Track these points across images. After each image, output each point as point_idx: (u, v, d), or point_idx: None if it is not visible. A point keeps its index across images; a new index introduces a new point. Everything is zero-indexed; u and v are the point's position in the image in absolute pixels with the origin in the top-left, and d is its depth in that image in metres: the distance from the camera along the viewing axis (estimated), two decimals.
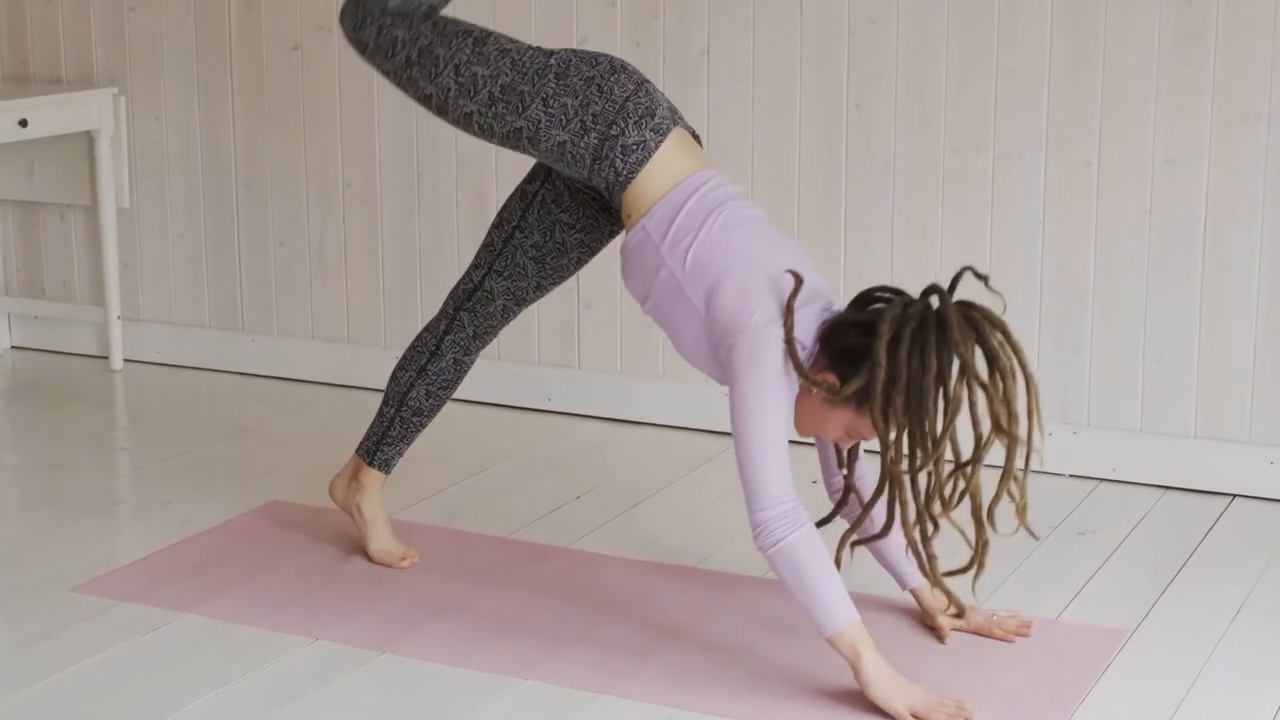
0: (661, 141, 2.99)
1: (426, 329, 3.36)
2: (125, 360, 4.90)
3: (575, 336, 4.41)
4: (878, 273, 3.98)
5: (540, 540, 3.59)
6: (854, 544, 2.98)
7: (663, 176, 2.98)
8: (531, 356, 4.45)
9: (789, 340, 2.82)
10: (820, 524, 2.96)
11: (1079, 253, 3.86)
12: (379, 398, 4.55)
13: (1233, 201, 3.72)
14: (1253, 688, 2.93)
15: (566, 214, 3.20)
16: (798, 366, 2.81)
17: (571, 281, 4.39)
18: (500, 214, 3.29)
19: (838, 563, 2.88)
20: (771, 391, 2.82)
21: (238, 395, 4.65)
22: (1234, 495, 3.80)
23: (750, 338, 2.84)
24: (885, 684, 2.78)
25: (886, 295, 2.91)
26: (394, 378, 3.38)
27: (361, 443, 3.42)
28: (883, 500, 2.92)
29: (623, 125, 2.97)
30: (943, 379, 2.77)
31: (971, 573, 2.92)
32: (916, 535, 2.88)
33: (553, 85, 3.01)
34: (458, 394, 4.49)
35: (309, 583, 3.35)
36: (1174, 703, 2.87)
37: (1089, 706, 2.86)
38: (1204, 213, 3.74)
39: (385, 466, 3.40)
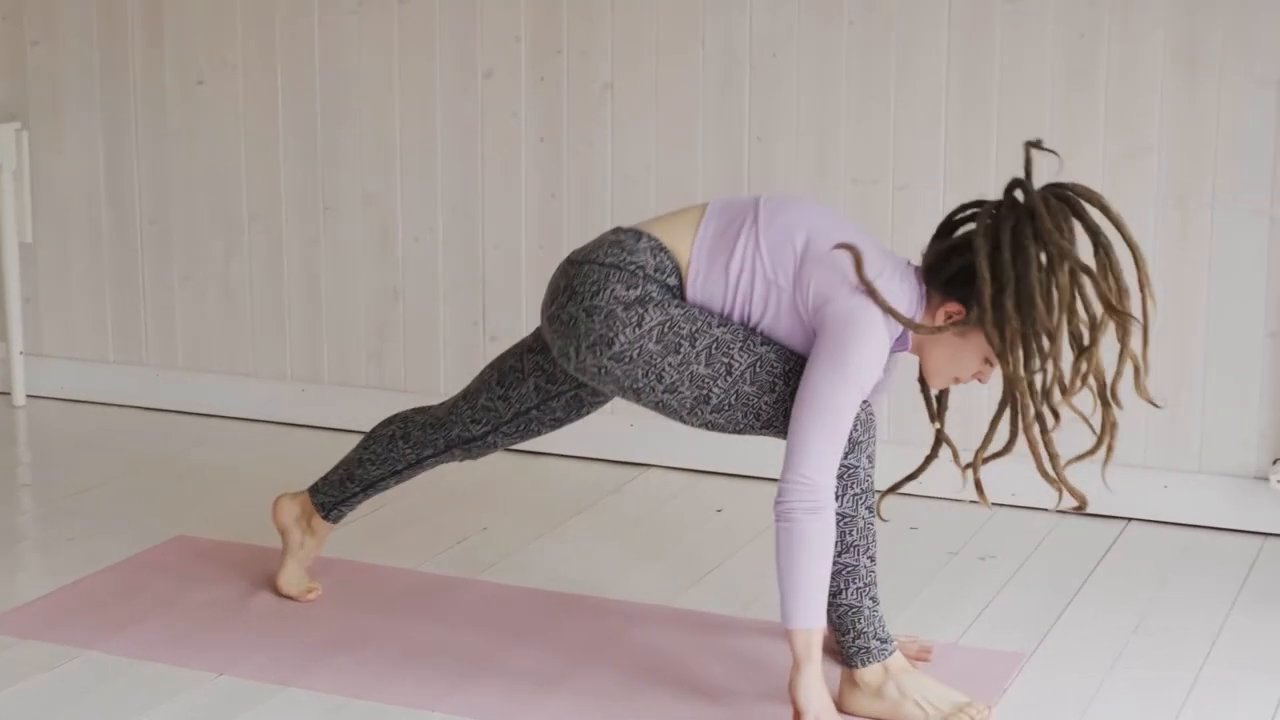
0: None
1: (403, 440, 3.28)
2: (28, 396, 4.86)
3: (480, 367, 4.41)
4: None
5: (447, 572, 3.60)
6: (968, 467, 3.00)
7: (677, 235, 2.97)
8: (436, 388, 4.47)
9: (882, 304, 2.80)
10: (910, 478, 3.03)
11: None
12: (285, 430, 4.59)
13: None
14: (1149, 708, 2.98)
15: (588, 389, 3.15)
16: (905, 321, 2.80)
17: (476, 312, 4.41)
18: (506, 388, 3.17)
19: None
20: (859, 367, 2.79)
21: (142, 430, 4.62)
22: (1130, 519, 3.87)
23: (843, 307, 2.81)
24: (816, 698, 2.79)
25: (970, 211, 2.92)
26: (363, 468, 3.32)
27: (319, 493, 3.37)
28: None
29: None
30: (1050, 270, 2.76)
31: (1100, 456, 2.91)
32: (1036, 433, 2.87)
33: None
34: (362, 426, 4.51)
35: (214, 617, 3.34)
36: None
37: None
38: None
39: (339, 519, 3.41)
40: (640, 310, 2.87)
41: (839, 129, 3.99)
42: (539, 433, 3.21)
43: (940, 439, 3.09)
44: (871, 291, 2.81)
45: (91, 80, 4.72)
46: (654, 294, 2.89)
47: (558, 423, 3.18)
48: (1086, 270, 2.78)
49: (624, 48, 4.17)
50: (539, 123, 4.27)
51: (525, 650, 3.19)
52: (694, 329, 2.88)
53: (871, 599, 2.88)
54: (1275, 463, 3.74)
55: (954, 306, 2.86)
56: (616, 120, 4.20)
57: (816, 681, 2.80)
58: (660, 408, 2.93)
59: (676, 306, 2.90)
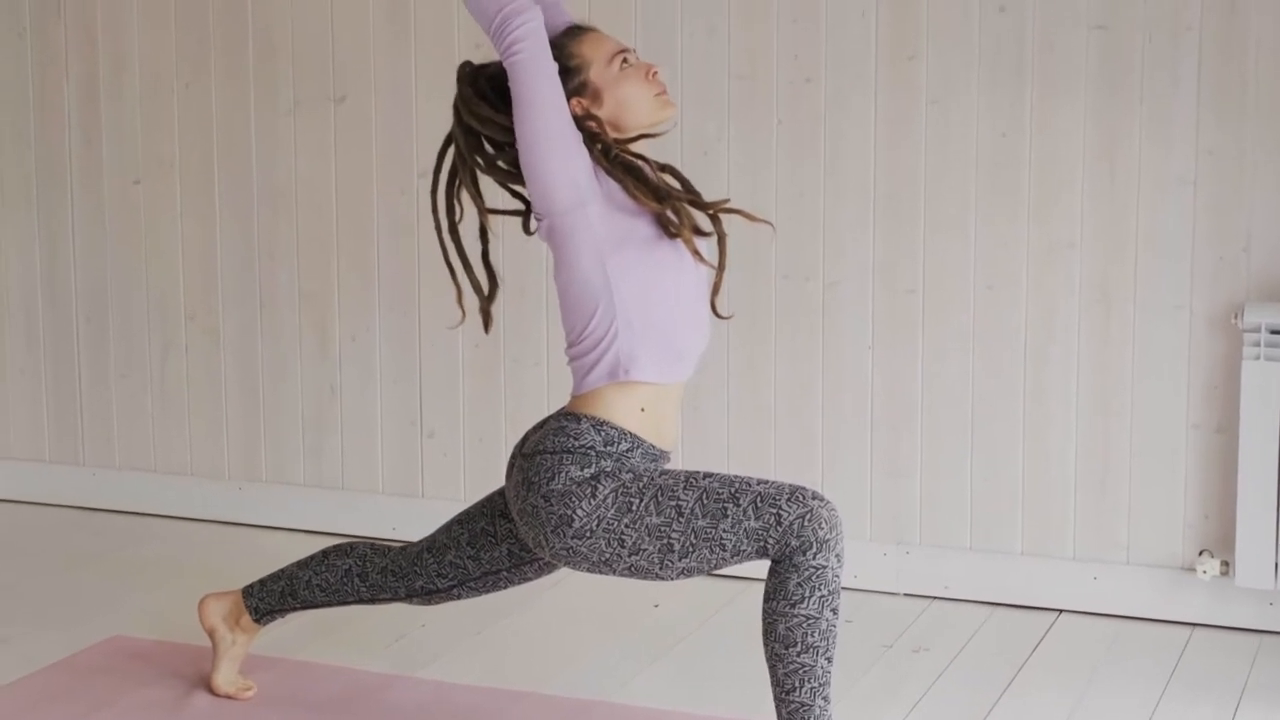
0: None
1: (360, 578, 3.28)
2: None
3: (418, 465, 4.45)
4: (714, 395, 4.08)
5: (385, 670, 3.60)
6: None
7: None
8: (375, 485, 4.49)
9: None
10: (720, 271, 3.11)
11: (906, 377, 3.99)
12: (223, 529, 4.58)
13: (1050, 325, 3.87)
14: None
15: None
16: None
17: (414, 410, 4.44)
18: (478, 549, 3.19)
19: None
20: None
21: (79, 529, 4.61)
22: (1060, 610, 3.93)
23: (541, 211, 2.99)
24: None
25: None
26: (310, 590, 3.32)
27: (253, 597, 3.37)
28: None
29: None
30: None
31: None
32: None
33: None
34: (301, 524, 4.53)
35: (152, 718, 3.34)
36: None
37: None
38: (1023, 337, 3.90)
39: (268, 624, 3.42)
40: (594, 485, 2.92)
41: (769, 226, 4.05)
42: (506, 588, 3.23)
43: (714, 215, 3.09)
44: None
45: (28, 179, 4.75)
46: (607, 467, 2.95)
47: (527, 581, 3.22)
48: None
49: None
50: (474, 222, 4.31)
51: None
52: (640, 486, 2.92)
53: (824, 698, 2.90)
54: (1201, 554, 3.81)
55: (576, 105, 3.01)
56: None
57: None
58: (634, 572, 2.95)
59: (627, 471, 2.95)
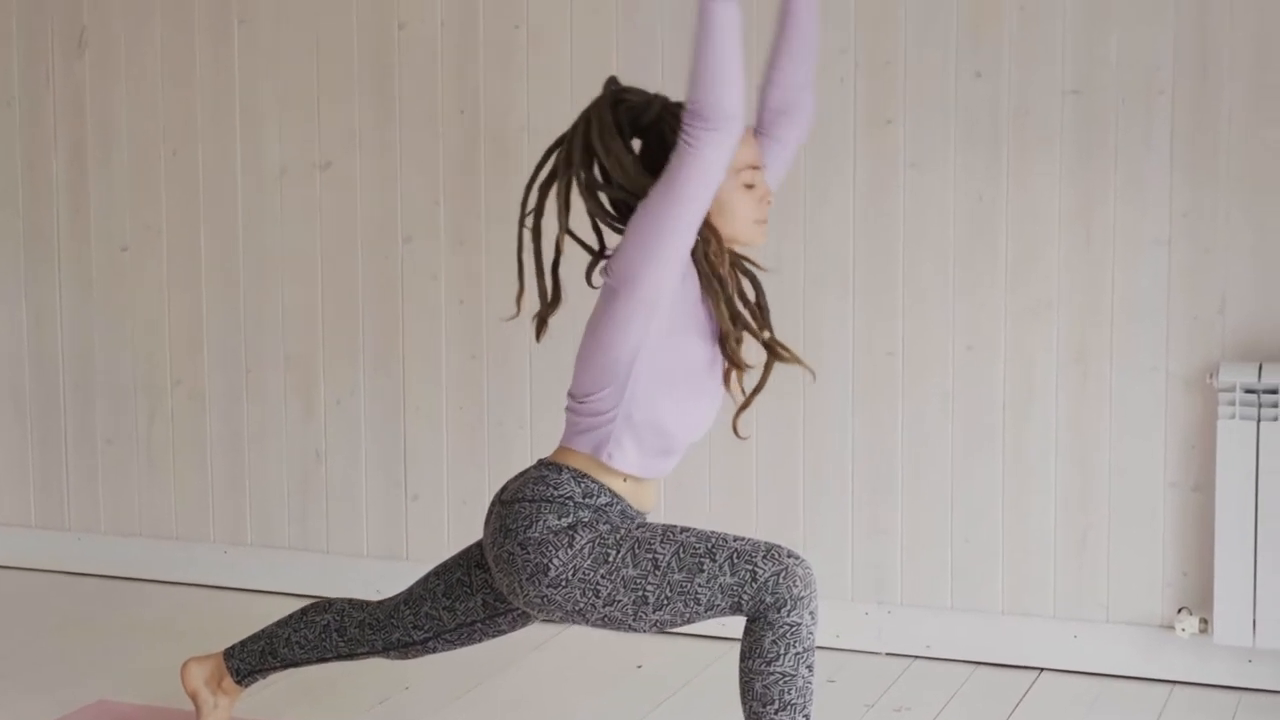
0: None
1: (338, 633, 3.30)
2: None
3: (403, 528, 4.47)
4: (697, 454, 4.10)
5: None
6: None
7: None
8: (360, 549, 4.50)
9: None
10: (756, 391, 3.11)
11: (887, 437, 4.02)
12: (209, 593, 4.59)
13: (1029, 386, 3.91)
14: None
15: None
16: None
17: (399, 473, 4.46)
18: (453, 600, 3.20)
19: None
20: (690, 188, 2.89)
21: (64, 594, 4.62)
22: (1041, 669, 3.94)
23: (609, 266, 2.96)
24: None
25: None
26: (289, 648, 3.33)
27: (234, 658, 3.38)
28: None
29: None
30: None
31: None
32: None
33: None
34: (286, 587, 4.54)
35: None
36: None
37: None
38: (1002, 398, 3.93)
39: (251, 685, 3.43)
40: (571, 534, 2.94)
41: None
42: (481, 641, 3.24)
43: (772, 348, 3.10)
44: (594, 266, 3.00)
45: (16, 246, 4.78)
46: (585, 518, 2.97)
47: (502, 633, 3.22)
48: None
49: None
50: (458, 286, 4.36)
51: None
52: (618, 537, 2.94)
53: None
54: (1180, 611, 3.83)
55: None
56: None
57: None
58: (607, 623, 2.97)
59: (604, 523, 2.97)
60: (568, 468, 3.00)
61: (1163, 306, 3.81)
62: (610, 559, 2.92)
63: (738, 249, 3.07)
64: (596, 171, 3.01)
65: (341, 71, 4.42)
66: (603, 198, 3.02)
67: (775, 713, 2.86)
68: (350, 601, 3.32)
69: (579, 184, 3.01)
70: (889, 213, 3.98)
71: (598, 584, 2.92)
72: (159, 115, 4.61)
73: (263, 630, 3.38)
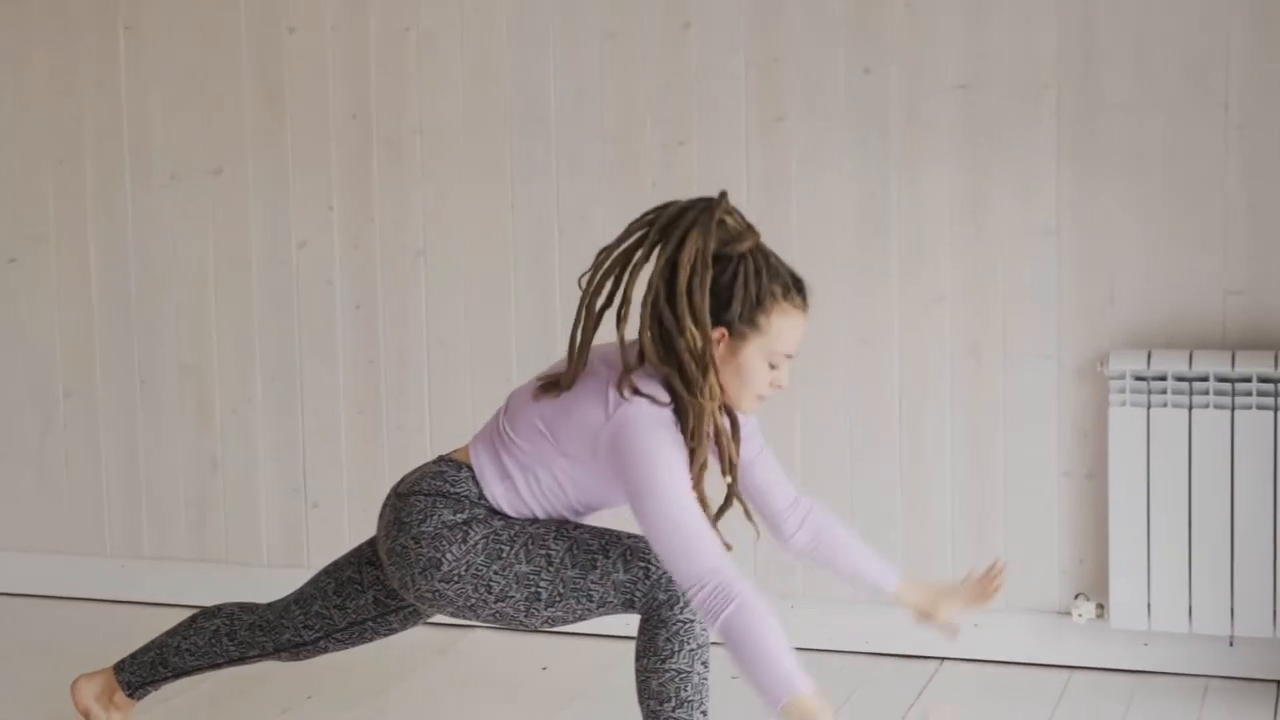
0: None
1: (229, 637, 3.26)
2: None
3: (303, 536, 4.44)
4: None
5: None
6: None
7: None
8: (260, 558, 4.46)
9: (635, 390, 2.83)
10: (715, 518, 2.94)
11: (784, 433, 4.03)
12: (105, 607, 4.53)
13: (923, 378, 3.94)
14: None
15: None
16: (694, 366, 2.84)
17: (297, 480, 4.43)
18: (343, 598, 3.19)
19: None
20: (666, 474, 2.79)
21: None
22: (943, 659, 3.98)
23: (609, 430, 2.83)
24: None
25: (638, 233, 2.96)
26: (180, 656, 3.30)
27: (125, 671, 3.34)
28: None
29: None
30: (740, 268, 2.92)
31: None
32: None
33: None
34: (185, 599, 4.49)
35: None
36: None
37: None
38: (897, 390, 3.96)
39: (143, 698, 3.39)
40: (465, 529, 2.93)
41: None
42: (372, 640, 3.22)
43: (731, 493, 3.01)
44: (622, 385, 2.84)
45: None
46: (480, 515, 2.96)
47: (393, 632, 3.21)
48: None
49: (435, 214, 4.26)
50: (354, 290, 4.34)
51: None
52: (512, 533, 2.94)
53: None
54: (1077, 597, 3.88)
55: (717, 332, 2.88)
56: (429, 286, 4.28)
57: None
58: (499, 619, 2.96)
59: (499, 519, 2.97)
60: (468, 467, 2.99)
61: (1053, 296, 3.85)
62: (503, 555, 2.91)
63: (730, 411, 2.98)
64: (671, 287, 2.86)
65: (231, 76, 4.38)
66: (664, 322, 2.86)
67: (673, 710, 2.87)
68: (240, 605, 3.29)
69: (649, 300, 2.88)
70: (781, 209, 4.00)
71: (490, 579, 2.91)
72: (44, 123, 4.55)
73: (153, 641, 3.34)
